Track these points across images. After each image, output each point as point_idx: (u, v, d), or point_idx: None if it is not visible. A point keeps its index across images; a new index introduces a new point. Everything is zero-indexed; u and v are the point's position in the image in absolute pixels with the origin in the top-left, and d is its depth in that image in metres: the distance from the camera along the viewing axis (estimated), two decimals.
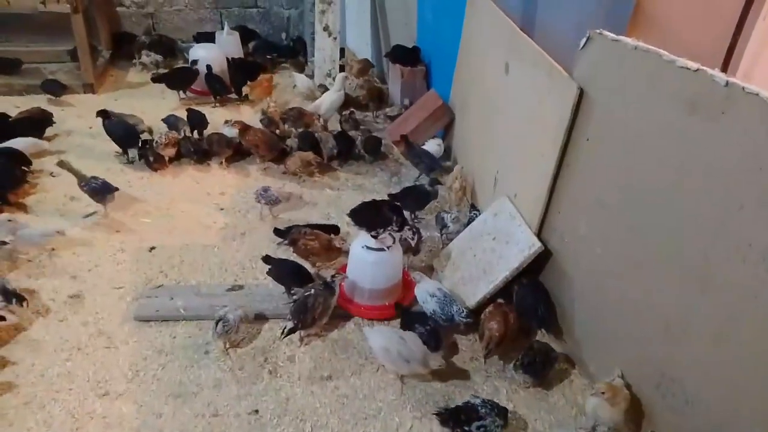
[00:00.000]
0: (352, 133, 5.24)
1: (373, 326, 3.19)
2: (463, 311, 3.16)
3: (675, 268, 2.45)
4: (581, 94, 2.90)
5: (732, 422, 2.29)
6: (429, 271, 3.86)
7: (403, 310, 3.27)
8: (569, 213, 3.16)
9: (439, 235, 4.07)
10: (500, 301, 3.22)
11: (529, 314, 3.24)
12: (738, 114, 2.12)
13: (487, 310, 3.15)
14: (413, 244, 3.64)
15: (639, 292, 2.67)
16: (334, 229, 3.90)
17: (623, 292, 2.78)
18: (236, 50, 6.51)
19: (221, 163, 4.93)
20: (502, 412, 2.66)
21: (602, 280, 2.95)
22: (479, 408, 2.65)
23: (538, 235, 3.34)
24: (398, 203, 4.01)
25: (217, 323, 3.01)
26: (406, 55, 5.62)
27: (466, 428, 2.61)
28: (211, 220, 4.29)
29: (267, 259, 3.49)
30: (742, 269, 2.14)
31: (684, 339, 2.46)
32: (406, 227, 3.73)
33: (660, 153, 2.49)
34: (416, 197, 4.17)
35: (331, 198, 4.63)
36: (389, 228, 3.60)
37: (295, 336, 3.20)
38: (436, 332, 3.05)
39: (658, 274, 2.55)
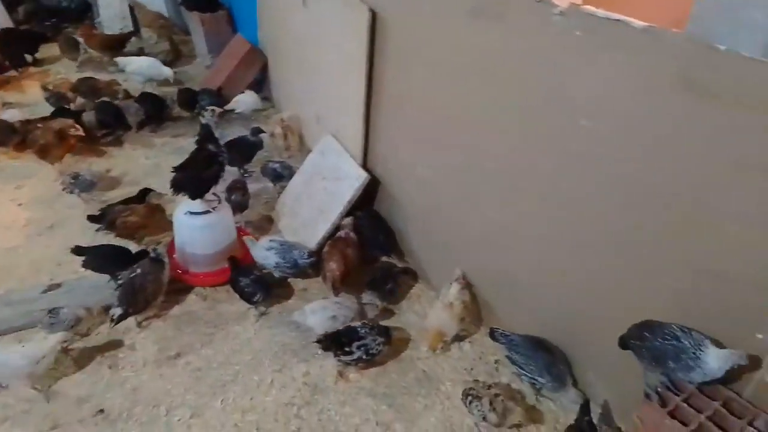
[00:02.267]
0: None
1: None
2: (305, 254, 3.12)
3: (492, 177, 2.61)
4: (374, 16, 2.87)
5: (559, 304, 2.57)
6: (268, 222, 3.75)
7: (232, 263, 3.12)
8: (388, 139, 3.20)
9: (272, 185, 3.94)
10: (339, 235, 3.21)
11: (371, 244, 3.30)
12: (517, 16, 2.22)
13: (324, 250, 3.15)
14: (240, 200, 3.48)
15: (465, 203, 2.82)
16: (143, 195, 3.60)
17: (450, 206, 2.92)
18: (2, 19, 5.55)
19: (9, 152, 4.27)
20: (383, 331, 2.74)
21: (429, 198, 3.07)
22: (359, 329, 2.71)
23: (364, 165, 3.37)
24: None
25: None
26: (202, 1, 5.19)
27: (347, 349, 2.66)
28: (10, 219, 3.74)
29: (78, 250, 3.13)
30: (547, 163, 2.32)
31: (511, 243, 2.67)
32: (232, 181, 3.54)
33: (455, 62, 2.57)
34: (240, 150, 3.97)
35: (148, 168, 4.25)
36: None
37: (131, 322, 2.95)
38: (261, 280, 3.01)
39: (478, 184, 2.69)
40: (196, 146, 3.27)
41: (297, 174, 3.77)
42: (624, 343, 2.17)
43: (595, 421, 2.39)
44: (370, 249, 3.32)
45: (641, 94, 1.95)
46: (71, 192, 3.79)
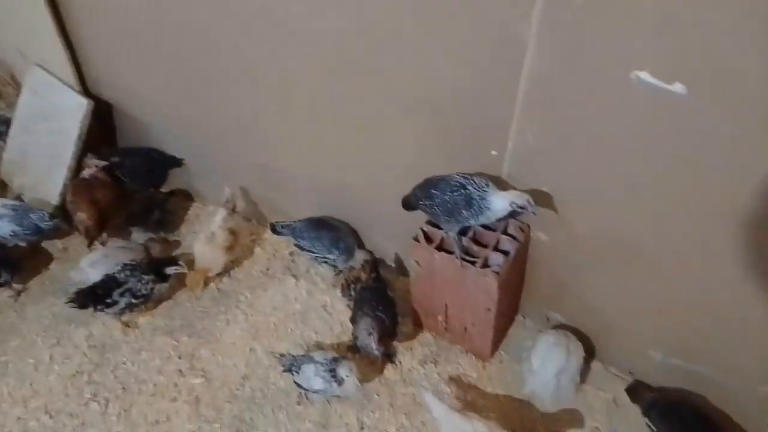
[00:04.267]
0: None
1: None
2: (45, 215, 2.69)
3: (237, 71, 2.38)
4: None
5: (333, 181, 2.53)
6: (2, 189, 3.16)
7: None
8: (103, 52, 2.76)
9: None
10: (82, 176, 2.77)
11: (130, 175, 2.91)
12: None
13: (68, 200, 2.73)
14: None
15: (217, 104, 2.56)
16: None
17: (204, 111, 2.65)
18: None
19: None
20: (151, 269, 2.50)
21: (177, 114, 2.76)
22: (117, 275, 2.44)
23: (86, 91, 2.90)
24: None
25: None
26: None
27: (108, 300, 2.40)
28: None
29: None
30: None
31: (278, 139, 2.54)
32: None
33: None
34: None
35: None
36: None
37: None
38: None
39: (242, 88, 2.44)
40: None
41: (14, 122, 3.15)
42: (409, 204, 2.17)
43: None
44: (132, 181, 2.94)
45: None
46: None
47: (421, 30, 1.85)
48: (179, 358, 2.45)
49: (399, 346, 2.43)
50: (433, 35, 1.84)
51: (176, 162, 2.91)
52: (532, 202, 1.86)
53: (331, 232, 2.60)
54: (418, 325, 2.47)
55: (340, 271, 2.61)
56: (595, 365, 2.34)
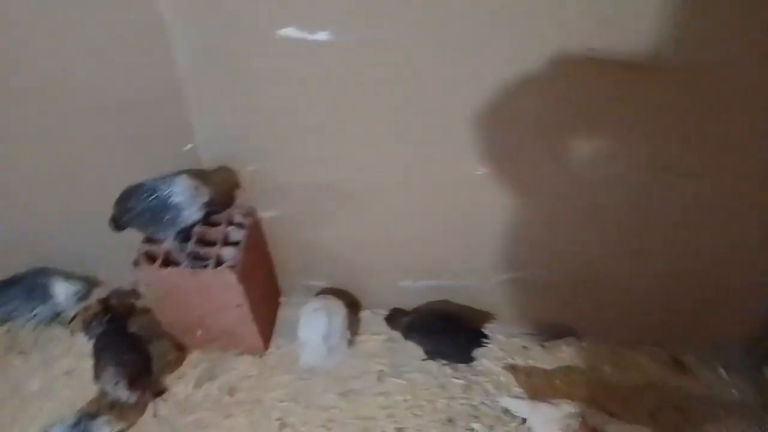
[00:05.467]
0: None
1: None
2: None
3: None
4: None
5: None
6: None
7: None
8: None
9: None
10: None
11: None
12: None
13: None
14: None
15: None
16: None
17: None
18: None
19: None
20: None
21: None
22: None
23: None
24: None
25: None
26: None
27: None
28: None
29: None
30: None
31: None
32: None
33: None
34: None
35: None
36: None
37: None
38: None
39: None
40: None
41: None
42: (117, 223, 1.92)
43: None
44: None
45: None
46: None
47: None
48: None
49: (169, 377, 2.21)
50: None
51: None
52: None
53: (18, 285, 2.23)
54: (180, 349, 2.26)
55: (74, 317, 2.26)
56: (365, 314, 2.42)
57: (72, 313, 2.28)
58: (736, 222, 1.83)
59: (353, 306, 2.34)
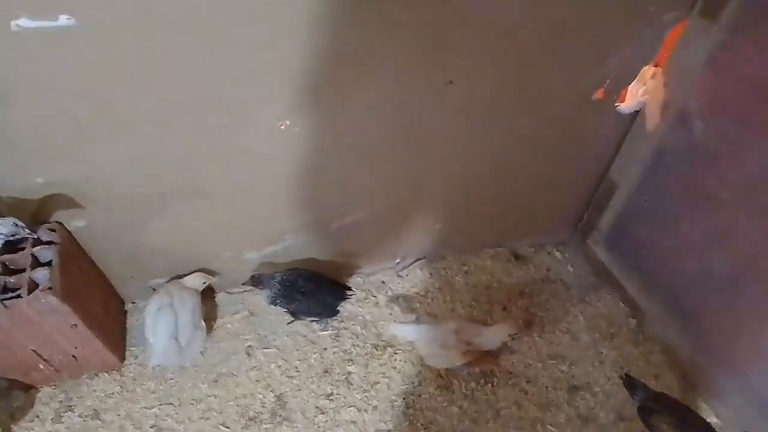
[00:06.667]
0: None
1: None
2: None
3: None
4: None
5: None
6: None
7: None
8: None
9: None
10: None
11: None
12: None
13: None
14: None
15: None
16: None
17: None
18: None
19: None
20: None
21: None
22: None
23: None
24: None
25: None
26: None
27: None
28: None
29: None
30: None
31: None
32: None
33: None
34: None
35: None
36: None
37: None
38: None
39: None
40: None
41: None
42: None
43: None
44: None
45: None
46: None
47: None
48: None
49: (22, 423, 2.02)
50: None
51: None
52: (21, 223, 1.65)
53: None
54: (24, 389, 2.07)
55: None
56: (220, 296, 2.37)
57: None
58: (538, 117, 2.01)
59: (205, 290, 2.27)
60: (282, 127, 1.79)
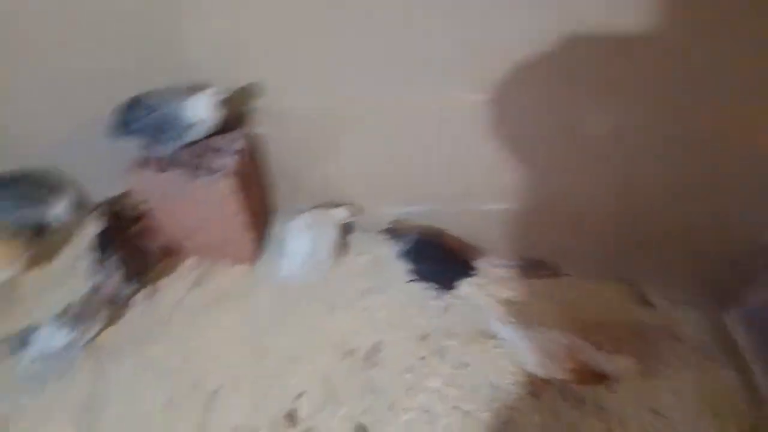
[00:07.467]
0: None
1: None
2: None
3: None
4: None
5: None
6: None
7: None
8: None
9: None
10: None
11: None
12: None
13: None
14: None
15: None
16: None
17: None
18: None
19: None
20: None
21: None
22: None
23: None
24: None
25: None
26: None
27: None
28: None
29: None
30: None
31: None
32: None
33: None
34: None
35: None
36: None
37: None
38: None
39: None
40: None
41: None
42: (120, 130, 1.96)
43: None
44: None
45: None
46: None
47: None
48: None
49: (163, 280, 2.32)
50: None
51: None
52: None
53: (11, 191, 2.25)
54: (173, 254, 2.36)
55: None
56: (355, 235, 2.52)
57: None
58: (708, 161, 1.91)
59: (346, 226, 2.42)
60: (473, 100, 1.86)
